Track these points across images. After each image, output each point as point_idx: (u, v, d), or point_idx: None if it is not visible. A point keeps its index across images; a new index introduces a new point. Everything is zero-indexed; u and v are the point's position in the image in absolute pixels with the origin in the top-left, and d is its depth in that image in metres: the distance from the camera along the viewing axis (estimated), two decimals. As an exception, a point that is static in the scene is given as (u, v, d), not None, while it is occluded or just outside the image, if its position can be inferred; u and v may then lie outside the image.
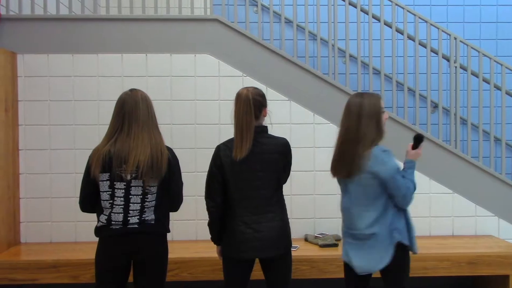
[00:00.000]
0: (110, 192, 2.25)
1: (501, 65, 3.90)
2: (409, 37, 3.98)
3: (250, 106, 2.32)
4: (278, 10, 4.28)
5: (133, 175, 2.23)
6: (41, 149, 3.66)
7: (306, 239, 3.67)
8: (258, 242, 2.34)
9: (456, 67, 3.93)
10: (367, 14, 3.99)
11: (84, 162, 2.35)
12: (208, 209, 2.40)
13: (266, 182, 2.36)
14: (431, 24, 3.91)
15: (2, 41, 3.65)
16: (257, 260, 2.47)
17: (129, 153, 2.22)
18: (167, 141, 2.39)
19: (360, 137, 2.27)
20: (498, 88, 3.96)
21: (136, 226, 2.25)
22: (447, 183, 3.80)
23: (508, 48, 4.79)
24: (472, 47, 3.92)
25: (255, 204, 2.36)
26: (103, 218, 2.26)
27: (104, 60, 3.69)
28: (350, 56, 4.05)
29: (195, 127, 3.72)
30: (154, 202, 2.29)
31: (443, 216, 3.80)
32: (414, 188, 2.32)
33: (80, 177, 2.35)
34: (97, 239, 2.32)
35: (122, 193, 2.24)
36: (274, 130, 2.49)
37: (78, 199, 2.34)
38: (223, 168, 2.35)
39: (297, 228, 3.63)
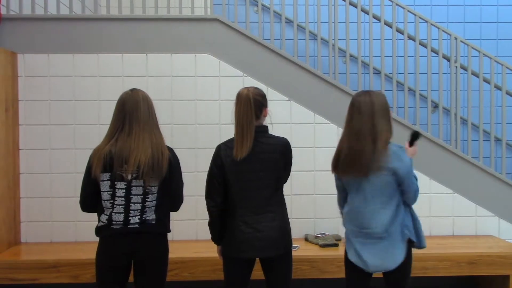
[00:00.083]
0: (111, 192, 2.25)
1: (502, 65, 3.90)
2: (410, 37, 3.98)
3: (251, 106, 2.32)
4: (278, 10, 4.28)
5: (134, 175, 2.23)
6: (41, 149, 3.66)
7: (306, 239, 3.67)
8: (258, 242, 2.34)
9: (456, 67, 3.93)
10: (368, 14, 3.99)
11: (84, 162, 2.35)
12: (208, 209, 2.40)
13: (266, 182, 2.36)
14: (431, 24, 3.91)
15: (3, 41, 3.65)
16: (257, 260, 2.47)
17: (130, 153, 2.22)
18: (168, 141, 2.39)
19: (377, 134, 2.25)
20: (498, 88, 3.96)
21: (136, 226, 2.25)
22: (448, 183, 3.80)
23: (509, 48, 4.79)
24: (472, 47, 3.92)
25: (256, 204, 2.36)
26: (104, 218, 2.26)
27: (105, 60, 3.69)
28: (351, 56, 4.05)
29: (196, 127, 3.72)
30: (154, 202, 2.29)
31: (444, 216, 3.80)
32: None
33: (80, 177, 2.35)
34: (97, 239, 2.32)
35: (123, 193, 2.24)
36: (275, 130, 2.49)
37: (78, 199, 2.34)
38: (224, 168, 2.35)
39: (297, 228, 3.63)
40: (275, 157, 2.37)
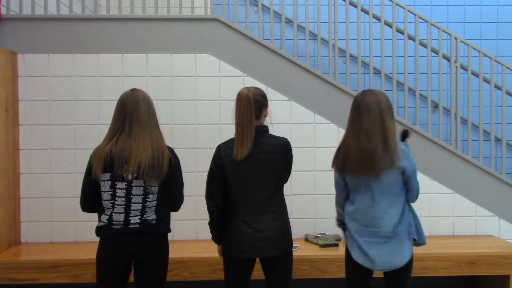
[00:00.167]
0: (111, 192, 2.25)
1: (502, 65, 3.90)
2: (410, 37, 3.98)
3: (251, 106, 2.32)
4: (278, 10, 4.28)
5: (134, 175, 2.23)
6: (41, 149, 3.66)
7: (306, 239, 3.67)
8: (258, 242, 2.34)
9: (456, 67, 3.93)
10: (368, 14, 3.99)
11: (84, 162, 2.35)
12: (208, 208, 2.40)
13: (266, 182, 2.36)
14: (431, 24, 3.91)
15: (3, 41, 3.65)
16: (258, 260, 2.47)
17: (130, 153, 2.22)
18: (168, 141, 2.39)
19: (387, 133, 2.26)
20: (498, 88, 3.96)
21: (137, 226, 2.25)
22: (448, 183, 3.80)
23: (509, 48, 4.79)
24: (472, 47, 3.92)
25: (256, 204, 2.36)
26: (105, 218, 2.26)
27: (105, 60, 3.69)
28: (351, 56, 4.05)
29: (196, 127, 3.72)
30: (155, 202, 2.29)
31: (444, 216, 3.80)
32: None
33: (80, 177, 2.35)
34: (97, 239, 2.32)
35: (124, 193, 2.24)
36: (275, 130, 2.49)
37: (78, 199, 2.34)
38: (224, 168, 2.36)
39: (297, 228, 3.63)
40: (275, 157, 2.37)
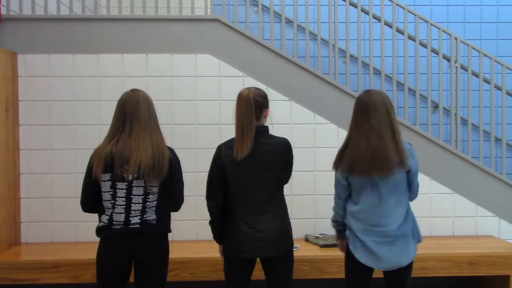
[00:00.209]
0: (111, 192, 2.25)
1: (502, 65, 3.90)
2: (410, 37, 3.98)
3: (251, 106, 2.33)
4: (278, 10, 4.28)
5: (135, 176, 2.23)
6: (41, 149, 3.66)
7: (306, 239, 3.67)
8: (258, 242, 2.34)
9: (456, 67, 3.93)
10: (368, 14, 3.99)
11: (84, 162, 2.35)
12: (209, 209, 2.40)
13: (267, 182, 2.37)
14: (431, 24, 3.91)
15: (3, 41, 3.65)
16: (258, 260, 2.47)
17: (130, 153, 2.22)
18: (168, 141, 2.39)
19: (396, 132, 2.28)
20: (498, 88, 3.96)
21: (137, 226, 2.25)
22: (448, 183, 3.80)
23: (509, 48, 4.79)
24: (472, 47, 3.92)
25: (256, 204, 2.36)
26: (105, 218, 2.26)
27: (105, 60, 3.69)
28: (351, 56, 4.05)
29: (196, 127, 3.72)
30: (155, 202, 2.29)
31: (444, 216, 3.80)
32: None
33: (80, 177, 2.35)
34: (97, 239, 2.32)
35: (124, 193, 2.24)
36: (275, 130, 2.49)
37: (78, 199, 2.34)
38: (224, 168, 2.36)
39: (298, 228, 3.61)
40: (276, 157, 2.37)
